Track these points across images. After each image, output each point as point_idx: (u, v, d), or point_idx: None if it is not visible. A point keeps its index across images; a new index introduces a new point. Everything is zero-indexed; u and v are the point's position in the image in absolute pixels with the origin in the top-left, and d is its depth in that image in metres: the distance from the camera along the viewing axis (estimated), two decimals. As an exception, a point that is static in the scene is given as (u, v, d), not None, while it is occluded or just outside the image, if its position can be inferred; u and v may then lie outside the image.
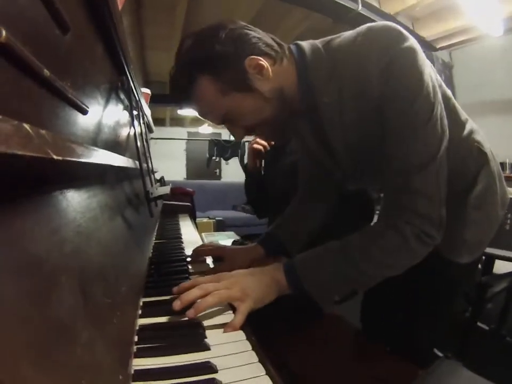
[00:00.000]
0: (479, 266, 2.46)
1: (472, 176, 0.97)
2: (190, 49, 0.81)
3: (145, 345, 0.56)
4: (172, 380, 0.48)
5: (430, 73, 0.79)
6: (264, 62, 0.80)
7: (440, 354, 2.00)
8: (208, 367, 0.51)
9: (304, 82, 0.85)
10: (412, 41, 0.77)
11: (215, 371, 0.51)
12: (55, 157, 0.29)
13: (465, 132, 0.97)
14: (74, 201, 0.48)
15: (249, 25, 0.84)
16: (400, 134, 0.79)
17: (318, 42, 0.86)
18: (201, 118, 0.91)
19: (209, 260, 1.13)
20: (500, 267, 2.38)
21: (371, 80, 0.76)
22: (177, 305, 0.67)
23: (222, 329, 0.65)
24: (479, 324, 2.47)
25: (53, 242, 0.36)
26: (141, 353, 0.54)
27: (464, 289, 1.19)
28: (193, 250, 1.12)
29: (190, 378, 0.48)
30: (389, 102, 0.77)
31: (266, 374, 0.51)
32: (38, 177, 0.36)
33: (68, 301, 0.35)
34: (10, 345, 0.23)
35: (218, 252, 1.14)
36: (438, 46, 4.95)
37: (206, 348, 0.57)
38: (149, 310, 0.70)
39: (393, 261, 0.82)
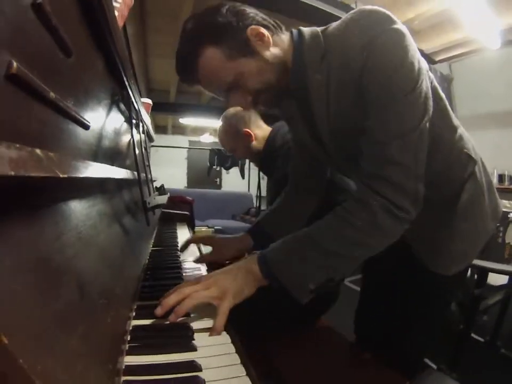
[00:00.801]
0: (475, 277, 2.49)
1: (459, 184, 0.96)
2: (193, 26, 0.85)
3: (136, 344, 0.61)
4: (158, 376, 0.52)
5: (419, 58, 0.79)
6: (264, 31, 0.84)
7: (433, 365, 2.03)
8: (193, 366, 0.55)
9: (298, 61, 0.88)
10: (400, 25, 0.78)
11: (199, 370, 0.55)
12: (61, 175, 0.34)
13: (456, 136, 0.97)
14: (76, 210, 0.52)
15: (244, 3, 0.89)
16: (379, 105, 0.78)
17: (319, 28, 0.89)
18: (207, 90, 0.93)
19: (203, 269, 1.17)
20: (493, 280, 2.40)
21: (353, 54, 0.78)
22: (158, 311, 0.70)
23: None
24: (474, 336, 2.49)
25: (57, 246, 0.40)
26: (132, 351, 0.58)
27: (453, 300, 1.19)
28: (185, 240, 1.19)
29: (175, 375, 0.53)
30: (369, 73, 0.77)
31: (247, 375, 0.55)
32: (44, 191, 0.40)
33: (67, 298, 0.39)
34: (17, 328, 0.27)
35: (207, 241, 1.20)
36: (437, 59, 5.01)
37: (193, 348, 0.61)
38: (143, 313, 0.74)
39: (363, 238, 0.79)
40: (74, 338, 0.36)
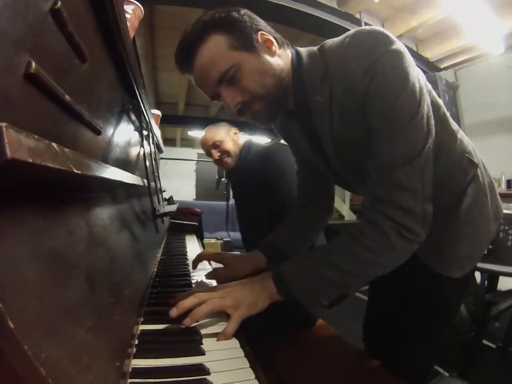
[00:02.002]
0: (485, 283, 2.46)
1: (462, 188, 0.97)
2: (207, 17, 0.84)
3: (144, 348, 0.61)
4: (166, 379, 0.52)
5: (418, 76, 0.80)
6: (273, 40, 0.85)
7: (445, 373, 2.00)
8: (201, 369, 0.55)
9: (298, 81, 0.88)
10: (399, 45, 0.78)
11: (208, 373, 0.55)
12: (75, 170, 0.35)
13: (456, 141, 0.97)
14: (88, 210, 0.53)
15: None
16: (384, 130, 0.79)
17: (315, 47, 0.90)
18: (198, 83, 0.89)
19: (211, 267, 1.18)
20: (503, 283, 2.37)
21: (356, 79, 0.78)
22: (173, 312, 0.71)
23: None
24: (486, 342, 2.45)
25: (68, 240, 0.41)
26: (139, 354, 0.58)
27: (460, 304, 1.17)
28: (196, 255, 1.18)
29: (183, 377, 0.53)
30: (373, 99, 0.78)
31: (256, 378, 0.55)
32: (59, 187, 0.42)
33: (77, 292, 0.40)
34: (24, 315, 0.28)
35: (219, 258, 1.19)
36: (442, 66, 5.02)
37: (201, 352, 0.61)
38: (151, 318, 0.75)
39: (374, 258, 0.81)
40: (82, 331, 0.37)
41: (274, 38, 0.87)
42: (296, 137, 1.05)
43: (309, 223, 1.28)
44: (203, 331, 0.71)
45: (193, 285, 1.04)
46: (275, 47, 0.86)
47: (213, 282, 1.09)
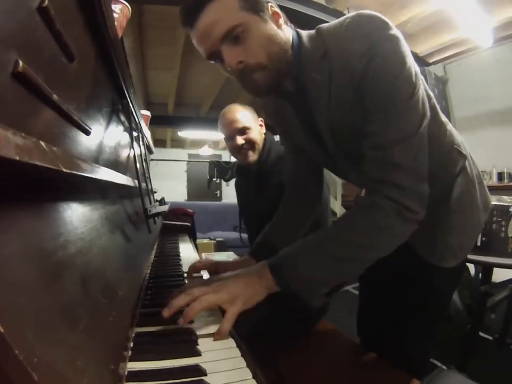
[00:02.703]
0: (479, 276, 2.48)
1: (451, 179, 0.99)
2: None
3: (139, 350, 0.60)
4: (163, 381, 0.51)
5: (413, 62, 0.81)
6: (281, 14, 0.87)
7: (443, 366, 2.01)
8: (197, 370, 0.55)
9: (298, 61, 0.88)
10: (396, 31, 0.79)
11: (204, 374, 0.54)
12: (64, 169, 0.34)
13: (446, 133, 0.99)
14: (78, 211, 0.53)
15: None
16: (380, 111, 0.80)
17: (313, 31, 0.90)
18: (199, 41, 0.84)
19: (205, 275, 1.17)
20: (498, 275, 2.39)
21: (354, 59, 0.78)
22: (166, 312, 0.69)
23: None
24: (483, 334, 2.47)
25: (59, 242, 0.40)
26: (135, 357, 0.58)
27: (452, 294, 1.18)
28: (190, 266, 1.15)
29: (180, 379, 0.52)
30: (370, 80, 0.79)
31: (253, 377, 0.55)
32: (47, 187, 0.41)
33: (69, 291, 0.39)
34: (15, 319, 0.28)
35: (212, 267, 1.18)
36: (431, 61, 5.05)
37: (197, 353, 0.61)
38: (146, 320, 0.74)
39: (374, 241, 0.80)
40: (75, 333, 0.36)
41: (281, 14, 0.88)
42: (289, 120, 1.04)
43: (298, 216, 1.28)
44: (198, 331, 0.69)
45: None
46: (282, 20, 0.86)
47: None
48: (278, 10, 0.87)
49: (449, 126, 1.02)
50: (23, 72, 0.34)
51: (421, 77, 0.85)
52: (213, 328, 0.71)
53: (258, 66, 0.83)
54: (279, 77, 0.88)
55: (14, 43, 0.34)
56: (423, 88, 0.83)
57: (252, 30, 0.80)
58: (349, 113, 0.86)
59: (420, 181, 0.80)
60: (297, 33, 0.90)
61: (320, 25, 0.89)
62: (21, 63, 0.33)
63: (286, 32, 0.88)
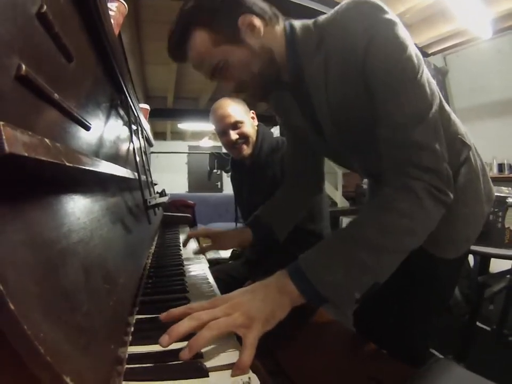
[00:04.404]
0: (476, 266, 2.50)
1: (455, 168, 0.95)
2: (190, 6, 0.85)
3: (140, 335, 0.64)
4: (162, 363, 0.54)
5: (413, 45, 0.80)
6: (256, 21, 0.84)
7: (440, 356, 2.04)
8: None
9: (293, 54, 0.89)
10: (392, 15, 0.78)
11: (201, 356, 0.55)
12: (67, 163, 0.38)
13: (450, 122, 0.98)
14: (80, 203, 0.56)
15: None
16: (389, 90, 0.77)
17: (310, 20, 0.90)
18: (196, 69, 0.93)
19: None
20: (495, 266, 2.42)
21: (354, 40, 0.77)
22: (165, 340, 0.55)
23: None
24: (481, 325, 2.49)
25: (63, 231, 0.44)
26: (135, 341, 0.60)
27: (454, 285, 1.18)
28: (186, 235, 1.23)
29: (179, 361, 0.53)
30: (374, 59, 0.77)
31: (254, 372, 0.54)
32: (52, 180, 0.44)
33: (72, 277, 0.43)
34: (24, 297, 0.31)
35: (205, 233, 1.24)
36: (430, 52, 5.01)
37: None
38: (146, 308, 0.77)
39: (412, 225, 0.74)
40: (78, 315, 0.40)
41: (260, 15, 0.85)
42: (289, 109, 1.05)
43: (297, 201, 1.30)
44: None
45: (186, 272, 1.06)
46: (258, 28, 0.85)
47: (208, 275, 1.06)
48: (253, 19, 0.84)
49: (453, 116, 1.01)
50: (26, 75, 0.37)
51: (423, 61, 0.83)
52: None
53: (245, 83, 0.90)
54: (270, 82, 0.92)
55: (16, 48, 0.37)
56: (427, 72, 0.82)
57: (230, 61, 0.86)
58: (349, 98, 0.85)
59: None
60: (291, 25, 0.90)
61: (317, 18, 0.89)
62: (23, 66, 0.36)
63: (271, 33, 0.88)
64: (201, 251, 1.22)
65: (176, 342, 0.56)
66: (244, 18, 0.83)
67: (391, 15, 0.78)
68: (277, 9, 0.91)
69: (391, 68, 0.76)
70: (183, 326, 0.58)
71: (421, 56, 0.81)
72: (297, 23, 0.90)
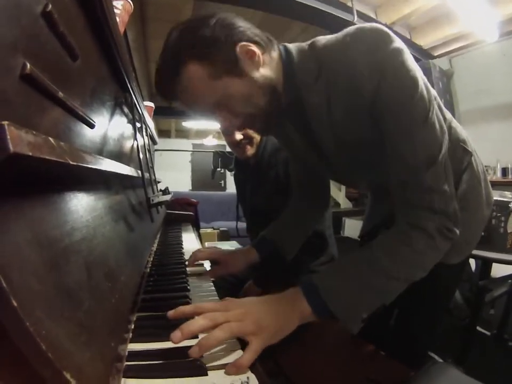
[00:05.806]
0: (477, 271, 2.49)
1: (457, 176, 0.96)
2: (177, 38, 0.78)
3: (140, 332, 0.64)
4: (163, 361, 0.54)
5: (420, 72, 0.78)
6: (255, 49, 0.77)
7: (439, 359, 2.03)
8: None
9: (291, 81, 0.84)
10: (399, 43, 0.75)
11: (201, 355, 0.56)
12: (71, 162, 0.38)
13: (450, 131, 0.96)
14: (84, 201, 0.56)
15: (237, 16, 0.81)
16: (400, 132, 0.77)
17: (305, 44, 0.85)
18: (190, 110, 0.85)
19: (206, 265, 1.20)
20: (496, 270, 2.41)
21: (361, 80, 0.74)
22: (176, 337, 0.56)
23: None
24: (481, 329, 2.48)
25: (66, 229, 0.44)
26: (136, 339, 0.61)
27: (455, 290, 1.18)
28: (191, 254, 1.17)
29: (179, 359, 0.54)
30: (384, 99, 0.75)
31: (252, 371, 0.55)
32: (56, 179, 0.45)
33: (74, 275, 0.43)
34: (27, 295, 0.31)
35: (214, 256, 1.19)
36: (435, 54, 5.01)
37: (195, 336, 0.59)
38: (147, 305, 0.77)
39: (423, 261, 0.80)
40: (79, 312, 0.40)
41: (257, 42, 0.79)
42: (290, 135, 1.03)
43: (304, 217, 1.29)
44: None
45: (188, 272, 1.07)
46: (258, 56, 0.78)
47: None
48: (251, 46, 0.77)
49: (454, 123, 1.00)
50: (31, 73, 0.37)
51: (432, 91, 0.82)
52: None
53: (250, 117, 0.83)
54: (274, 114, 0.86)
55: (21, 47, 0.37)
56: (433, 98, 0.80)
57: (231, 96, 0.78)
58: (358, 132, 0.84)
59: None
60: (286, 50, 0.85)
61: (314, 40, 0.84)
62: (28, 65, 0.37)
63: (270, 62, 0.82)
64: (212, 276, 1.14)
65: (187, 339, 0.56)
66: (242, 47, 0.76)
67: (398, 43, 0.75)
68: (270, 34, 0.85)
69: (402, 110, 0.75)
70: (197, 325, 0.58)
71: (425, 79, 0.80)
72: (293, 48, 0.85)
